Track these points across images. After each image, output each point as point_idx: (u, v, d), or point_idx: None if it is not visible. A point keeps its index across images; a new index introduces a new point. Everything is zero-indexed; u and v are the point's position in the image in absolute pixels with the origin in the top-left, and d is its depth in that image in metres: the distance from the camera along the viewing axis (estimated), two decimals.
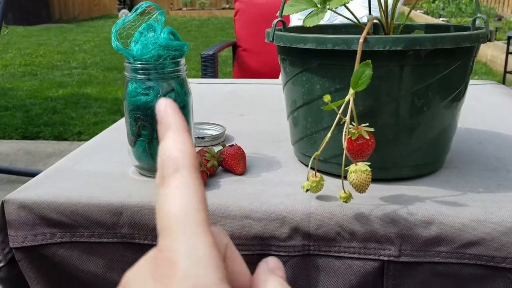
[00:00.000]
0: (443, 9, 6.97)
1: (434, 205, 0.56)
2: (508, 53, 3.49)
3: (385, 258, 0.56)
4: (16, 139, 2.97)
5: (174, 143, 0.22)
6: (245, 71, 2.22)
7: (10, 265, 0.61)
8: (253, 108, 1.02)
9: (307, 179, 0.57)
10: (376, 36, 0.55)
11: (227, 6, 9.72)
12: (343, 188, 0.55)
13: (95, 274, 0.61)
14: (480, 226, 0.53)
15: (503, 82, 3.54)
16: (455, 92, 0.61)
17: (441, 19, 6.45)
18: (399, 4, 1.86)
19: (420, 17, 6.99)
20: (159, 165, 0.22)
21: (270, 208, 0.57)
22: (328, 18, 1.71)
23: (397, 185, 0.62)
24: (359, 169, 0.52)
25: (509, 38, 3.47)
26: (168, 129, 0.23)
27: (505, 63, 3.57)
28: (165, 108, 0.23)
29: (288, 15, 1.92)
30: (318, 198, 0.59)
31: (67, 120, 3.24)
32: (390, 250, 0.55)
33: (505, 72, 3.56)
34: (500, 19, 6.11)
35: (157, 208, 0.21)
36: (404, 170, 0.64)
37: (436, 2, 7.41)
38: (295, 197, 0.59)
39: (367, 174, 0.52)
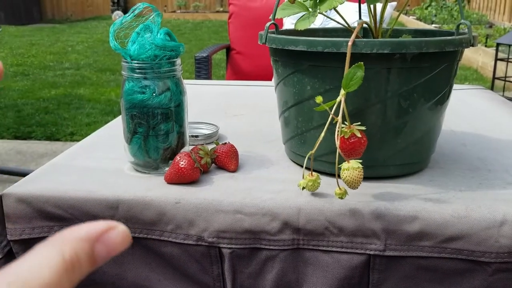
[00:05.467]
0: (435, 15, 7.05)
1: (418, 202, 0.59)
2: (497, 59, 3.54)
3: (371, 252, 0.58)
4: (8, 138, 2.97)
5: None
6: (238, 74, 2.24)
7: (8, 257, 0.63)
8: (245, 109, 1.04)
9: (303, 178, 0.59)
10: (365, 39, 0.58)
11: (221, 9, 9.75)
12: (338, 185, 0.57)
13: None
14: (461, 222, 0.56)
15: (492, 88, 3.60)
16: (439, 94, 0.64)
17: (433, 25, 6.52)
18: (389, 10, 1.90)
19: (412, 23, 7.07)
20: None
21: (261, 204, 0.59)
22: (320, 23, 1.74)
23: (384, 183, 0.65)
24: (352, 167, 0.54)
25: (498, 44, 3.53)
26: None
27: (493, 69, 3.62)
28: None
29: (282, 20, 1.95)
30: (308, 194, 0.61)
31: (59, 121, 3.24)
32: (376, 244, 0.58)
33: (494, 78, 3.61)
34: (491, 26, 6.19)
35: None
36: (390, 169, 0.66)
37: (429, 8, 7.49)
38: (286, 193, 0.61)
39: (359, 171, 0.55)
